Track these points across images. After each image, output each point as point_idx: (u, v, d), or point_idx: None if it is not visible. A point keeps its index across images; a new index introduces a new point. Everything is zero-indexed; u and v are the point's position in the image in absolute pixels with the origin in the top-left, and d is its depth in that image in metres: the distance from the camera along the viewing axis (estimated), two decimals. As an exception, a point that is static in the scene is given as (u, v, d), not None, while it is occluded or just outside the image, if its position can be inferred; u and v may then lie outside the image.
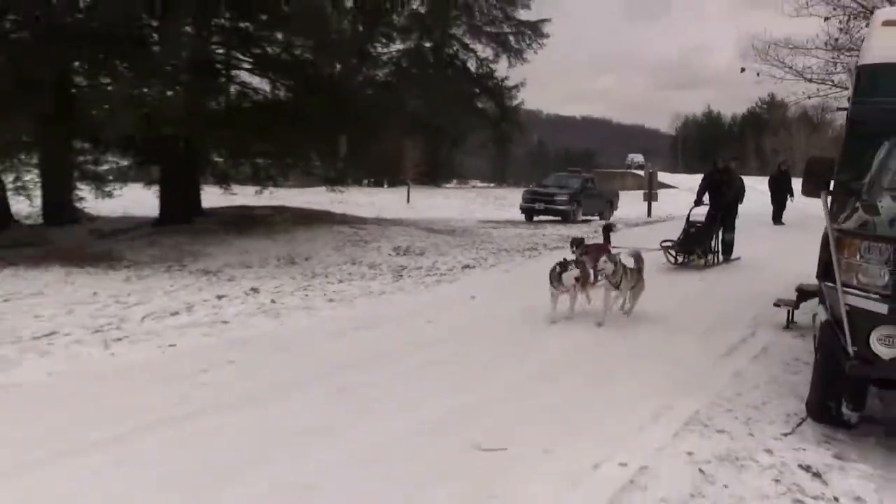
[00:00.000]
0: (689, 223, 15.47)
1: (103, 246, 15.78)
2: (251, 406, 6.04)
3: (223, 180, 21.66)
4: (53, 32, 14.69)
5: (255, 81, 19.99)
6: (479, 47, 51.42)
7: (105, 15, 15.30)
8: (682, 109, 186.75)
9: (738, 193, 16.85)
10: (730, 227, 16.10)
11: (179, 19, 16.10)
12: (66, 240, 16.04)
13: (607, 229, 13.96)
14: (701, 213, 15.63)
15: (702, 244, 15.26)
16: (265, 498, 4.39)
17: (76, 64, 16.89)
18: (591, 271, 11.01)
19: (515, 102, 52.60)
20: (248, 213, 19.99)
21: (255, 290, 11.78)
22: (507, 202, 37.09)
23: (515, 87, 51.23)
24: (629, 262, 10.11)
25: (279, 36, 19.01)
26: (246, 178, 21.79)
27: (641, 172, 45.15)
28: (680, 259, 15.12)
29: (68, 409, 5.88)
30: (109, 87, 16.10)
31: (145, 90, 14.85)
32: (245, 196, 22.15)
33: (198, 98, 16.28)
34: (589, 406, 6.27)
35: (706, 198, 15.89)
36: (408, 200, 37.86)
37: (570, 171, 35.62)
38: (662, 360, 7.95)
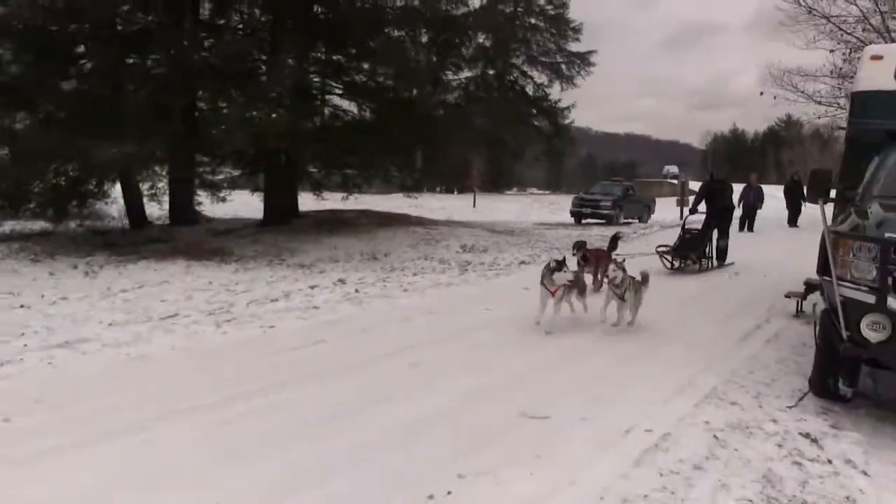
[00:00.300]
0: (685, 230, 14.43)
1: (217, 243, 16.09)
2: (336, 377, 6.23)
3: (317, 188, 21.85)
4: (183, 68, 15.19)
5: (345, 104, 20.23)
6: (535, 74, 51.58)
7: (224, 53, 15.80)
8: (711, 127, 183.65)
9: (731, 203, 15.49)
10: (724, 234, 15.00)
11: (283, 54, 16.48)
12: (187, 237, 16.37)
13: (615, 239, 12.70)
14: (698, 220, 14.65)
15: (696, 250, 14.15)
16: (343, 452, 4.53)
17: (200, 93, 17.44)
18: (588, 280, 10.36)
19: (567, 121, 52.47)
20: (337, 215, 20.09)
21: (342, 280, 11.92)
22: (559, 207, 36.82)
23: (567, 108, 51.18)
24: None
25: (365, 66, 19.20)
26: (336, 186, 21.99)
27: (675, 181, 44.58)
28: (676, 264, 13.96)
29: (188, 377, 6.18)
30: (226, 111, 16.48)
31: (255, 113, 15.11)
32: (334, 201, 22.31)
33: (297, 119, 16.45)
34: (620, 381, 6.31)
35: (702, 206, 14.85)
36: (474, 205, 37.77)
37: (614, 180, 35.52)
38: (685, 343, 7.93)
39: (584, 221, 29.69)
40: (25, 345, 6.94)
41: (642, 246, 16.15)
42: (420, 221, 21.11)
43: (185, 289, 10.75)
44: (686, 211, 19.33)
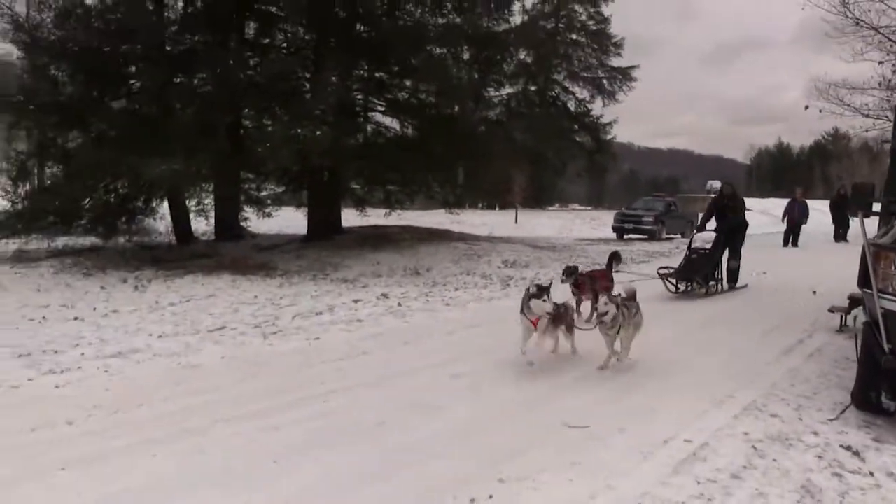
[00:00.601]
0: (692, 249, 13.14)
1: (262, 258, 16.35)
2: (379, 387, 6.39)
3: (360, 204, 22.10)
4: (229, 87, 15.59)
5: (388, 121, 20.54)
6: (577, 90, 51.73)
7: (269, 71, 16.18)
8: (756, 141, 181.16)
9: (743, 220, 13.73)
10: (736, 254, 13.68)
11: (327, 72, 16.79)
12: (233, 253, 16.68)
13: (613, 258, 11.11)
14: (709, 239, 13.27)
15: (702, 272, 12.78)
16: (387, 457, 4.68)
17: (245, 111, 17.86)
18: (583, 308, 9.65)
19: (609, 136, 52.43)
20: (380, 231, 20.28)
21: (385, 295, 12.08)
22: (600, 222, 36.78)
23: (609, 123, 51.20)
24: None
25: (408, 83, 19.46)
26: (378, 202, 22.19)
27: (717, 197, 44.14)
28: (681, 287, 12.67)
29: (237, 385, 6.40)
30: (271, 129, 16.77)
31: (299, 130, 15.36)
32: (377, 217, 22.49)
33: (341, 136, 16.68)
34: (658, 394, 6.33)
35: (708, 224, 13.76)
36: (516, 221, 37.85)
37: (656, 195, 35.35)
38: (727, 357, 7.93)
39: (626, 237, 29.65)
40: (83, 354, 7.27)
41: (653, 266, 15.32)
42: (462, 237, 21.23)
43: (232, 302, 11.02)
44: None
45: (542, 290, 6.86)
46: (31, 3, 17.73)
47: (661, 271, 12.75)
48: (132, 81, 17.54)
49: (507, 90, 37.70)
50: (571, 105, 51.89)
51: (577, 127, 51.94)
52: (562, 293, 7.82)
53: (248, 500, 3.99)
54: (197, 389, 6.21)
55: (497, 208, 49.07)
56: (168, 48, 17.06)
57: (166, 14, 17.31)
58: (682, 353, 8.10)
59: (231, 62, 16.07)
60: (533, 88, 50.07)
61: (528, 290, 7.06)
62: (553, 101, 51.60)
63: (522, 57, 45.07)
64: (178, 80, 17.14)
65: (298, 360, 7.44)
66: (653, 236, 29.08)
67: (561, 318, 7.31)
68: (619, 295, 7.34)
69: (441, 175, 20.58)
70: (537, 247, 21.01)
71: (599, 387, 6.54)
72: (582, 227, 36.90)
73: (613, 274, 10.68)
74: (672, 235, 30.23)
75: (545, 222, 38.33)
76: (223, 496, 4.04)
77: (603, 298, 6.96)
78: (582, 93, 51.51)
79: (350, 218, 21.87)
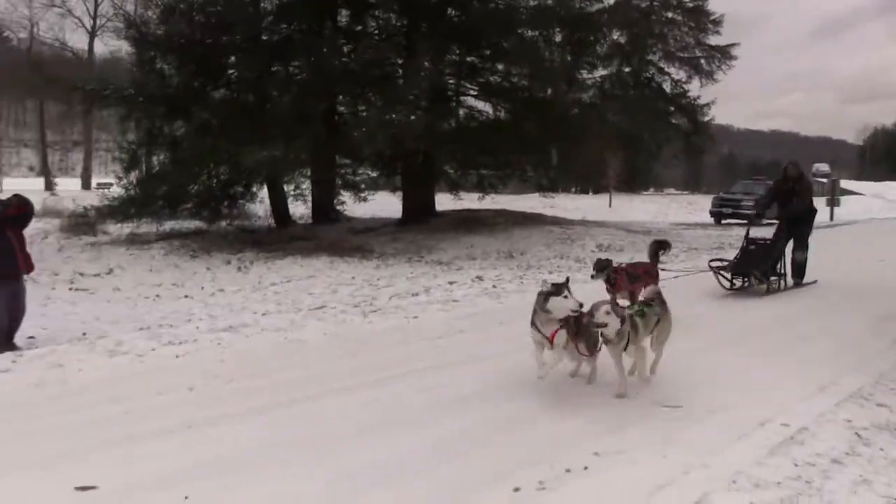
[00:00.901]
0: (749, 240, 11.39)
1: (358, 241, 16.77)
2: (476, 363, 6.52)
3: (453, 188, 22.41)
4: (324, 74, 16.04)
5: (480, 105, 20.72)
6: (672, 70, 50.46)
7: (362, 58, 16.56)
8: (871, 121, 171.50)
9: (811, 206, 11.96)
10: (801, 245, 11.79)
11: (419, 57, 17.06)
12: (329, 235, 17.11)
13: (659, 247, 9.09)
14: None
15: (761, 266, 10.89)
16: (484, 427, 4.84)
17: (340, 97, 18.33)
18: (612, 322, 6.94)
19: (706, 118, 51.03)
20: (474, 215, 20.39)
21: (479, 277, 12.26)
22: (697, 207, 36.06)
23: (707, 104, 49.79)
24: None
25: (499, 67, 19.60)
26: (472, 186, 22.47)
27: (825, 180, 42.77)
28: (737, 283, 10.95)
29: (339, 360, 6.69)
30: (366, 115, 17.22)
31: (393, 115, 15.70)
32: (470, 201, 22.71)
33: (434, 120, 17.01)
34: (757, 377, 6.21)
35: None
36: (609, 205, 37.54)
37: (756, 179, 34.40)
38: (833, 343, 7.61)
39: (723, 222, 29.04)
40: (197, 327, 7.80)
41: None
42: (555, 221, 21.22)
43: (330, 283, 11.42)
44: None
45: (561, 288, 5.48)
46: (138, 1, 18.67)
47: (714, 264, 11.03)
48: (231, 71, 18.27)
49: (601, 72, 37.46)
50: (667, 86, 50.76)
51: (672, 109, 50.81)
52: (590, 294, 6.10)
53: (350, 462, 4.24)
54: (303, 363, 6.53)
55: (591, 192, 48.73)
56: (264, 38, 17.69)
57: (262, 5, 17.90)
58: (785, 334, 7.96)
59: (325, 50, 16.55)
60: (627, 70, 49.20)
61: (541, 291, 5.56)
62: (648, 82, 50.58)
63: (616, 37, 44.47)
64: (275, 68, 17.79)
65: (397, 337, 7.67)
66: (752, 221, 28.40)
67: (582, 330, 5.65)
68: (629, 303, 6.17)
69: (534, 158, 20.65)
70: (631, 231, 20.85)
71: (695, 368, 6.49)
72: (678, 212, 36.29)
73: (659, 267, 9.09)
74: (773, 220, 29.42)
75: (639, 206, 37.87)
76: (325, 459, 4.25)
77: (603, 308, 5.43)
78: (678, 73, 50.28)
79: (444, 202, 22.11)
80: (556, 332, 5.44)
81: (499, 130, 19.34)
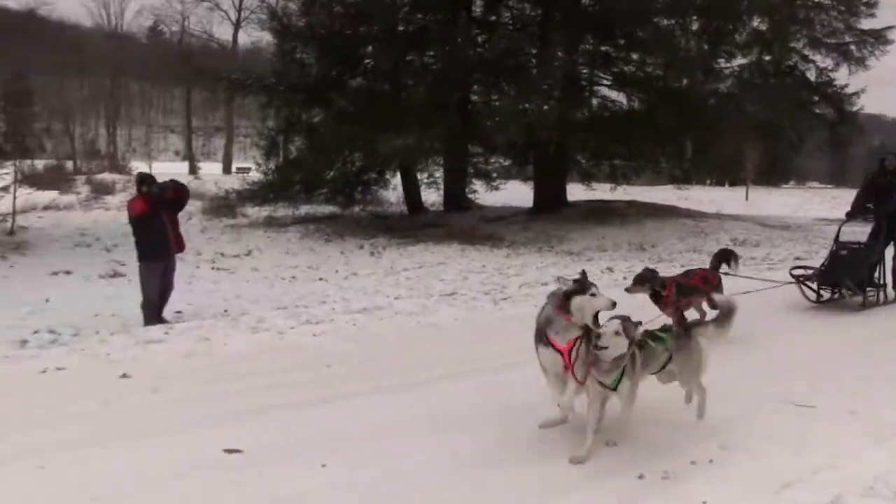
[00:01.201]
0: (839, 243, 9.46)
1: (489, 229, 16.97)
2: None
3: (585, 178, 22.33)
4: (458, 63, 16.33)
5: (613, 95, 20.53)
6: (818, 58, 47.81)
7: (496, 48, 16.77)
8: None
9: None
10: None
11: (553, 47, 17.09)
12: (461, 223, 17.44)
13: (724, 258, 7.83)
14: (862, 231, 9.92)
15: (856, 274, 8.92)
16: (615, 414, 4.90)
17: (474, 87, 18.58)
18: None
19: (855, 108, 48.31)
20: (605, 205, 20.23)
21: (609, 269, 12.23)
22: (842, 201, 34.16)
23: (855, 93, 47.02)
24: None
25: (634, 56, 19.33)
26: (604, 176, 22.31)
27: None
28: (825, 294, 9.04)
29: (470, 344, 6.92)
30: (499, 104, 17.40)
31: (526, 105, 15.81)
32: (601, 191, 22.51)
33: (567, 110, 17.01)
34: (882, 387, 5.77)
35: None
36: (746, 198, 36.32)
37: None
38: None
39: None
40: (332, 308, 8.20)
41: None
42: (689, 213, 20.83)
43: (461, 270, 11.67)
44: None
45: (586, 282, 4.35)
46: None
47: (797, 272, 9.15)
48: (368, 61, 18.82)
49: (739, 61, 36.07)
50: (811, 74, 48.12)
51: (816, 98, 48.36)
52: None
53: (477, 439, 4.40)
54: (435, 346, 6.79)
55: (726, 185, 47.24)
56: (401, 28, 18.13)
57: (399, -4, 18.34)
58: None
59: (460, 40, 16.82)
60: (767, 58, 47.09)
61: (554, 292, 4.47)
62: (790, 70, 48.31)
63: (756, 25, 42.73)
64: (410, 58, 18.24)
65: (528, 324, 7.72)
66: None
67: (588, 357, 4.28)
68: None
69: (668, 149, 20.32)
70: (768, 226, 20.18)
71: (835, 366, 6.31)
72: (820, 207, 34.62)
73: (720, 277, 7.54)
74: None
75: (778, 200, 36.40)
76: (451, 437, 4.42)
77: (614, 325, 4.17)
78: (824, 61, 47.41)
79: (575, 192, 22.03)
80: (572, 342, 4.25)
81: (633, 120, 19.13)
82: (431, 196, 20.93)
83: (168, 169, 40.60)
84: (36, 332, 7.31)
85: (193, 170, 50.21)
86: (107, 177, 30.20)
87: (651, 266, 7.94)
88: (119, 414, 4.81)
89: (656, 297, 6.82)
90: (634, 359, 4.34)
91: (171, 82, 67.03)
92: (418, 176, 19.89)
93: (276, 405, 4.93)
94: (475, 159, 20.83)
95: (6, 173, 16.14)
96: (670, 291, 6.88)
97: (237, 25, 55.09)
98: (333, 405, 4.99)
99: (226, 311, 8.64)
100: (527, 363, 6.03)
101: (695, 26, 19.97)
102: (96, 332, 7.20)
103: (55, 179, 26.98)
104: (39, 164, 31.54)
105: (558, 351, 4.27)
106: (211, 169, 51.72)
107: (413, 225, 17.44)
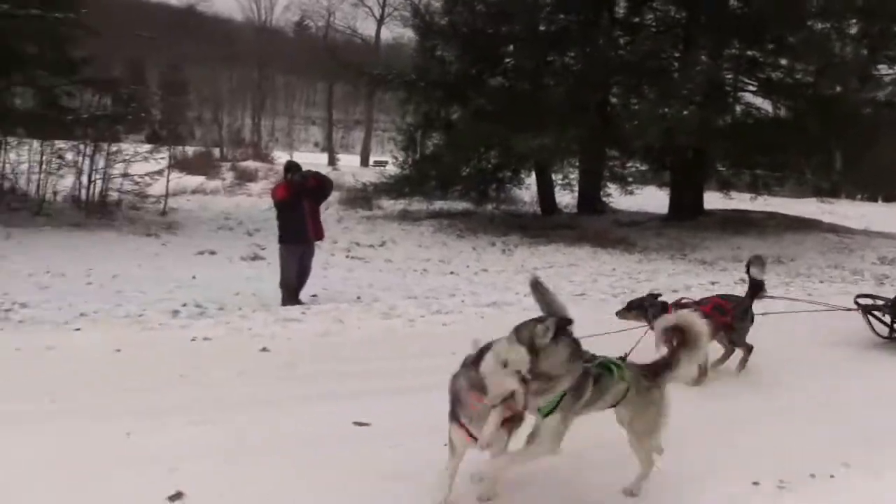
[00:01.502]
0: None
1: (622, 233, 16.97)
2: (732, 358, 6.37)
3: (724, 186, 21.89)
4: (599, 65, 16.40)
5: (758, 101, 19.95)
6: None
7: (638, 50, 16.72)
8: None
9: None
10: None
11: (697, 51, 16.91)
12: (594, 226, 17.50)
13: (757, 287, 6.74)
14: None
15: None
16: (721, 419, 4.97)
17: (614, 89, 18.59)
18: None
19: None
20: (743, 215, 19.81)
21: (743, 280, 11.99)
22: None
23: None
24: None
25: (783, 62, 18.79)
26: (744, 185, 21.83)
27: None
28: None
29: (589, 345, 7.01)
30: (638, 107, 17.34)
31: (666, 109, 15.68)
32: (740, 201, 22.04)
33: (708, 116, 16.70)
34: None
35: None
36: (900, 215, 34.60)
37: None
38: None
39: None
40: (462, 301, 8.57)
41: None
42: (833, 228, 19.98)
43: (591, 273, 11.82)
44: None
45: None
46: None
47: (862, 301, 7.71)
48: (508, 60, 19.13)
49: (903, 67, 34.36)
50: None
51: None
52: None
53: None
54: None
55: (879, 200, 45.01)
56: (542, 28, 18.33)
57: (541, -4, 18.53)
58: None
59: (601, 41, 16.88)
60: (939, 64, 44.60)
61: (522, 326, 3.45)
62: (969, 76, 45.47)
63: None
64: (551, 58, 18.42)
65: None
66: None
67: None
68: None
69: (816, 160, 19.67)
70: (927, 245, 19.14)
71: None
72: None
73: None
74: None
75: (940, 219, 34.41)
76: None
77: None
78: None
79: (712, 200, 21.67)
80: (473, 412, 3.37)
81: (778, 129, 18.53)
82: (565, 198, 21.03)
83: (308, 159, 42.00)
84: (185, 305, 8.08)
85: (332, 161, 51.84)
86: (250, 164, 31.91)
87: (655, 291, 6.96)
88: (258, 384, 5.33)
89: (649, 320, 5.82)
90: (581, 389, 3.45)
91: (314, 76, 69.64)
92: (553, 177, 20.07)
93: (404, 387, 5.26)
94: (611, 162, 20.81)
95: (162, 158, 17.37)
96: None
97: (380, 22, 56.66)
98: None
99: (359, 297, 9.17)
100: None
101: (853, 29, 19.13)
102: (239, 309, 7.89)
103: (203, 165, 28.81)
104: (189, 150, 33.43)
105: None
106: (349, 161, 53.31)
107: (546, 225, 17.63)
